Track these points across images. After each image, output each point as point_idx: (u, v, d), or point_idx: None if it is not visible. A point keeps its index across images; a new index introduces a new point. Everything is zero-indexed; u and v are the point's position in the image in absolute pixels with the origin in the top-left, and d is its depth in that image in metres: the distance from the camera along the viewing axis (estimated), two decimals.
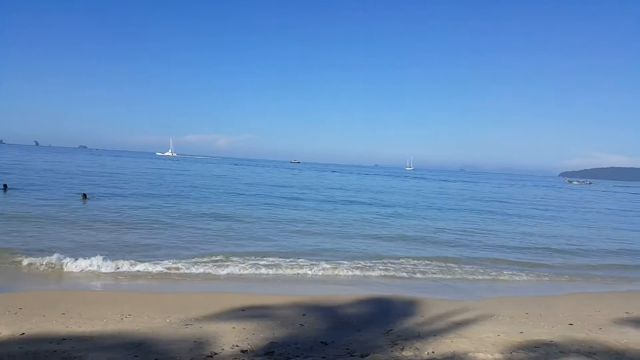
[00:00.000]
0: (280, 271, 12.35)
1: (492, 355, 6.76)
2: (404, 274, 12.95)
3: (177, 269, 11.73)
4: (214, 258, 13.02)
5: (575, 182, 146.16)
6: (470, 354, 6.76)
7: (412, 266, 13.87)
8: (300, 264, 13.14)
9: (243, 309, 8.67)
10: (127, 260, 11.94)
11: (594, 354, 6.91)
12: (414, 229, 22.09)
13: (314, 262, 13.34)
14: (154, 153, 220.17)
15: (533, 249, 18.51)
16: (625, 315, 9.38)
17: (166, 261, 12.20)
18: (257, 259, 13.31)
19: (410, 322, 8.48)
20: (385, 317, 8.76)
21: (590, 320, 8.99)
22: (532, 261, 15.97)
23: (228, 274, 11.85)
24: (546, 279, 13.68)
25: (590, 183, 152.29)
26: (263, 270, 12.23)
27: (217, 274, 11.75)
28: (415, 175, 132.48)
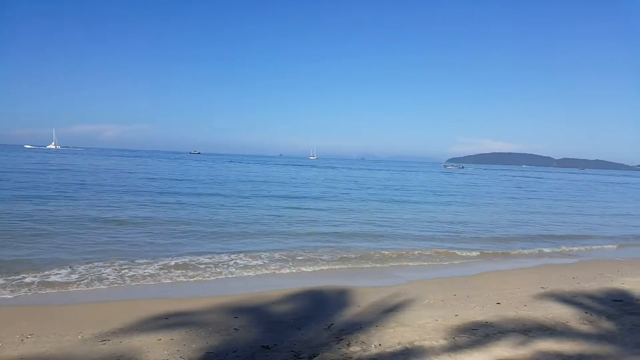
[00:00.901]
0: (199, 272, 11.35)
1: (437, 342, 6.65)
2: (327, 266, 12.63)
3: (79, 279, 10.23)
4: (117, 263, 11.61)
5: (450, 167, 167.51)
6: (417, 343, 6.59)
7: (331, 255, 13.67)
8: (217, 261, 12.34)
9: (166, 317, 7.78)
10: (16, 273, 10.31)
11: (529, 331, 7.09)
12: (326, 221, 21.85)
13: (234, 259, 12.64)
14: (22, 146, 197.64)
15: (440, 233, 19.30)
16: (542, 291, 9.91)
17: (64, 271, 10.70)
18: (168, 259, 12.24)
19: (348, 314, 8.19)
20: (322, 311, 8.38)
21: (514, 297, 9.35)
22: (443, 244, 16.58)
23: (139, 280, 10.51)
24: (459, 261, 14.14)
25: (463, 167, 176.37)
26: (179, 274, 11.14)
27: (126, 282, 10.30)
28: (320, 165, 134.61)
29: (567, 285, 10.40)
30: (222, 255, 13.05)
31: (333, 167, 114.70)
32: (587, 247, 17.13)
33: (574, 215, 28.83)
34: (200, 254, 13.11)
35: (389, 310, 8.37)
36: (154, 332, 7.01)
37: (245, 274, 11.54)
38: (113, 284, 10.13)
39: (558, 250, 16.29)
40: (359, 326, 7.42)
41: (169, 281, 10.64)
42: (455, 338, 6.82)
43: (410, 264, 13.37)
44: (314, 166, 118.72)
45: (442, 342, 6.66)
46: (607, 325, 7.25)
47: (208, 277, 11.12)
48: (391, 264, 13.24)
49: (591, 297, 9.15)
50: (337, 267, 12.63)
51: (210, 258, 12.59)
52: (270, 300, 9.04)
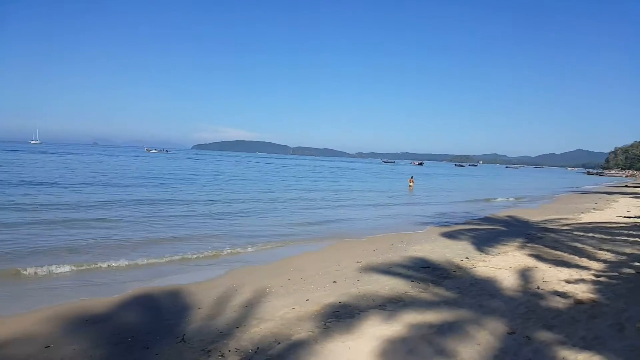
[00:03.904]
0: None
1: (312, 332, 6.24)
2: (119, 269, 10.57)
3: None
4: None
5: (154, 151, 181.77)
6: (294, 337, 6.06)
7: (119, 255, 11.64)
8: None
9: None
10: None
11: (384, 305, 7.31)
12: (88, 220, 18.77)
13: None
14: None
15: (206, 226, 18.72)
16: (360, 265, 10.43)
17: None
18: None
19: (196, 319, 7.00)
20: (160, 321, 6.92)
21: (343, 274, 9.59)
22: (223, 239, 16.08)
23: None
24: (255, 248, 13.35)
25: (168, 151, 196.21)
26: None
27: None
28: (44, 150, 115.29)
29: (375, 257, 11.25)
30: None
31: (58, 153, 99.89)
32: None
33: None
34: None
35: (238, 307, 7.52)
36: None
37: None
38: None
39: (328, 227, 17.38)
40: (217, 331, 6.40)
41: None
42: (326, 324, 6.53)
43: (206, 256, 11.89)
44: (40, 152, 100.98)
45: (317, 330, 6.30)
46: (439, 291, 8.05)
47: None
48: (194, 256, 11.74)
49: (403, 266, 10.11)
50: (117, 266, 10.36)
51: None
52: (89, 313, 7.02)
